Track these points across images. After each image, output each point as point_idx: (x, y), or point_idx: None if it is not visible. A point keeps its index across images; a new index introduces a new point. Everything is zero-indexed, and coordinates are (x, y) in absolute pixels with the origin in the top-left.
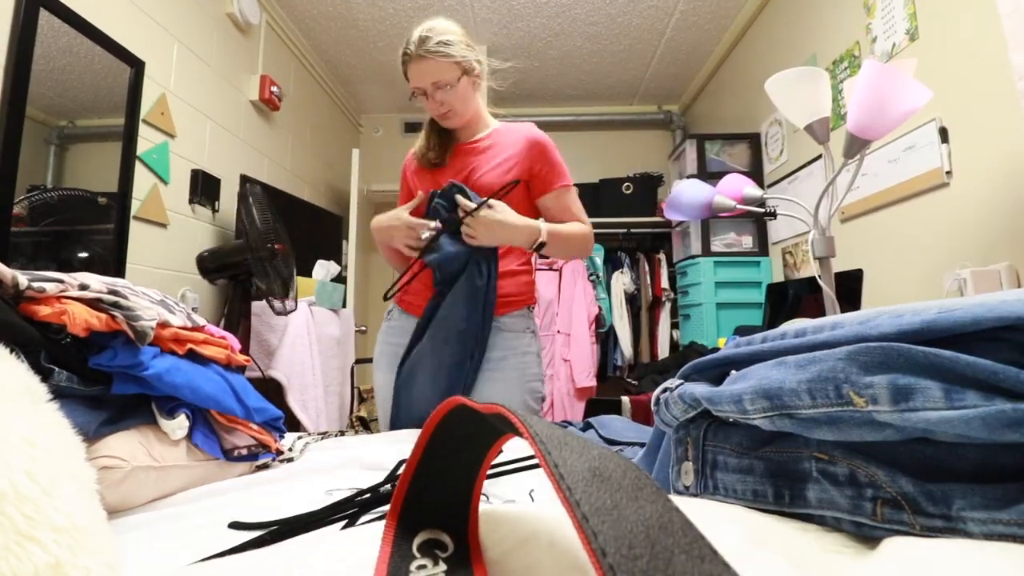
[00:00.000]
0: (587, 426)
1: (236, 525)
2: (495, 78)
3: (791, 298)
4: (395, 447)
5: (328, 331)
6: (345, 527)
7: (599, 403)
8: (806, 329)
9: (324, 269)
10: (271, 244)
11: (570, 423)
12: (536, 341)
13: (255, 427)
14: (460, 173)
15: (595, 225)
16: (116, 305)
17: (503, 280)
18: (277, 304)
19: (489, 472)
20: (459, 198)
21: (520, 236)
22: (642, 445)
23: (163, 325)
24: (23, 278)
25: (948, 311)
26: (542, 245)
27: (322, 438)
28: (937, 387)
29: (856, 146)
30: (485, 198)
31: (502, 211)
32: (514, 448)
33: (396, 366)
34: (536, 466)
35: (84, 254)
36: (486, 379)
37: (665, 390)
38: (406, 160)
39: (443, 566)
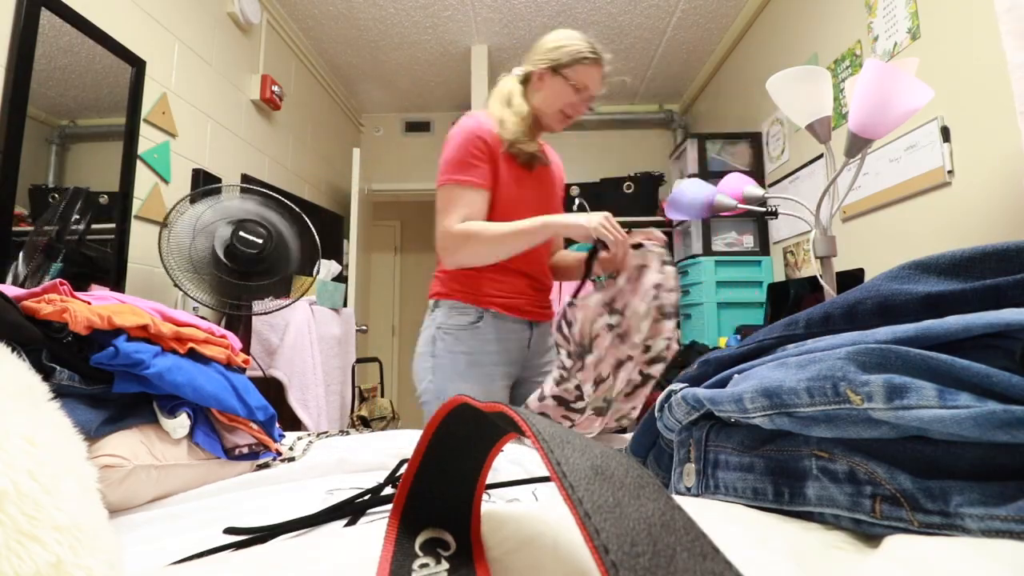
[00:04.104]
0: None
1: (231, 530)
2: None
3: (792, 297)
4: (396, 446)
5: (329, 330)
6: (346, 527)
7: None
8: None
9: (325, 268)
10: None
11: None
12: None
13: (255, 426)
14: (549, 179)
15: None
16: None
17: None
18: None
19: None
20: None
21: None
22: None
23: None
24: None
25: (941, 319)
26: None
27: (320, 437)
28: (931, 387)
29: (858, 145)
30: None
31: None
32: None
33: (501, 375)
34: (539, 480)
35: (85, 253)
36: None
37: (670, 394)
38: (490, 140)
39: (445, 564)
